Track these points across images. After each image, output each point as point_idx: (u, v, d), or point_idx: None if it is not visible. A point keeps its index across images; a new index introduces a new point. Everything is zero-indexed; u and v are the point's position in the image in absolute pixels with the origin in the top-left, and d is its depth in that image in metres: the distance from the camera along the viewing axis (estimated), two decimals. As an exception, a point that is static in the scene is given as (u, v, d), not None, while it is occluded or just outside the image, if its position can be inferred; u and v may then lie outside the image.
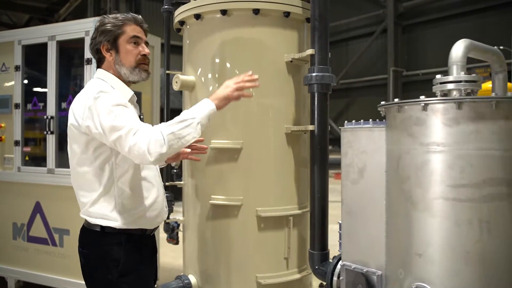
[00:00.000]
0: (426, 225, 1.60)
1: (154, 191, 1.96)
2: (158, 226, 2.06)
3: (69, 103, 3.79)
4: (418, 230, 1.62)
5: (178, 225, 2.83)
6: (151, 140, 1.67)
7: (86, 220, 1.91)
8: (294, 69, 2.47)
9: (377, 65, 13.13)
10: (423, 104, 1.58)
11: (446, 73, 1.75)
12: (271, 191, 2.45)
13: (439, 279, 1.57)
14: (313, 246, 2.33)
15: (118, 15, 2.00)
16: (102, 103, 1.74)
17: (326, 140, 2.32)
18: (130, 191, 1.87)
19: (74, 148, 1.87)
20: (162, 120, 3.50)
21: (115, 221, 1.84)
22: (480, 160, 1.51)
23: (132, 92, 1.96)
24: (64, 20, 19.51)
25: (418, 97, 1.71)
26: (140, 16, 2.04)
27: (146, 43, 2.02)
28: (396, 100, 1.70)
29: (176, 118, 1.77)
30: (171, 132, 1.70)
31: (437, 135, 1.56)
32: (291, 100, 2.48)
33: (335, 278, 2.16)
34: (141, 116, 2.09)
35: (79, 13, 17.75)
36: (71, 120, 1.85)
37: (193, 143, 2.01)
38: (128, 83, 1.98)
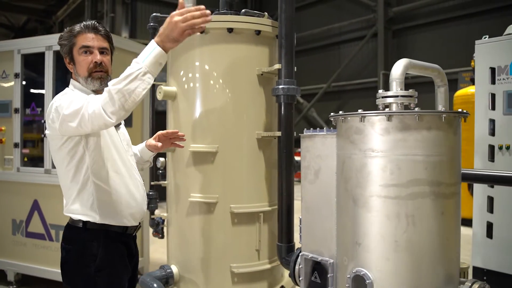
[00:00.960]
0: (364, 218, 1.88)
1: (131, 188, 2.06)
2: (139, 226, 2.16)
3: (65, 108, 4.08)
4: (358, 223, 1.90)
5: (163, 220, 3.11)
6: (103, 103, 1.71)
7: (70, 218, 2.02)
8: (265, 81, 2.75)
9: (368, 68, 13.40)
10: (361, 116, 1.87)
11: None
12: (244, 190, 2.74)
13: (374, 264, 1.85)
14: (280, 239, 2.61)
15: (76, 26, 2.03)
16: (65, 100, 1.86)
17: (291, 144, 2.60)
18: (106, 187, 1.97)
19: (53, 152, 2.01)
20: (152, 122, 3.73)
21: (94, 216, 1.94)
22: (406, 164, 1.79)
23: None
24: (61, 22, 19.77)
25: None
26: (93, 22, 2.05)
27: (105, 49, 2.04)
28: (340, 112, 1.99)
29: (125, 72, 1.74)
30: (118, 90, 1.69)
31: (372, 142, 1.84)
32: (262, 109, 2.77)
33: (297, 267, 2.44)
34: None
35: (76, 15, 18.01)
36: (47, 127, 1.99)
37: (176, 143, 2.26)
38: (97, 92, 2.03)
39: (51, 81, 4.05)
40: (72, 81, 2.10)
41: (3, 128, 4.36)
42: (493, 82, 3.79)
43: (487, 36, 3.90)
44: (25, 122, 4.34)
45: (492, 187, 3.78)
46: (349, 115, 1.93)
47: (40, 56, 4.10)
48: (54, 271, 4.05)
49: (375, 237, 1.85)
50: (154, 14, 3.13)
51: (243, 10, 2.84)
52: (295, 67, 2.58)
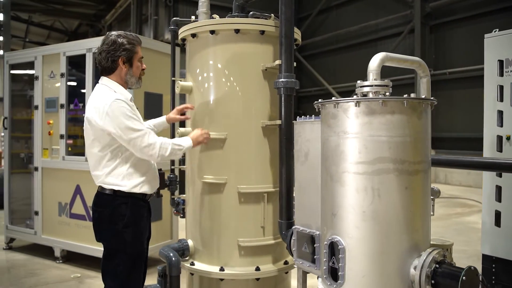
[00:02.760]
0: (338, 192, 2.15)
1: (150, 169, 2.73)
2: (153, 194, 2.81)
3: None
4: (333, 196, 2.18)
5: (183, 201, 3.48)
6: (162, 146, 2.57)
7: (100, 187, 2.64)
8: (268, 76, 3.06)
9: (405, 64, 13.30)
10: (334, 103, 2.15)
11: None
12: (251, 172, 3.06)
13: (346, 232, 2.12)
14: (281, 216, 2.92)
15: (130, 36, 2.67)
16: (118, 110, 2.46)
17: (291, 131, 2.89)
18: (134, 167, 2.63)
19: (92, 137, 2.59)
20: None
21: (124, 187, 2.58)
22: (372, 143, 2.05)
23: (131, 95, 2.71)
24: (110, 25, 20.91)
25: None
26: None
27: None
28: (320, 100, 2.28)
29: (176, 141, 2.71)
30: (173, 148, 2.63)
31: (344, 125, 2.11)
32: (267, 100, 3.08)
33: (292, 240, 2.75)
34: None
35: (123, 19, 19.03)
36: (88, 115, 2.57)
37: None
38: (126, 87, 2.72)
39: (91, 78, 4.56)
40: (106, 79, 2.68)
41: (51, 122, 4.93)
42: (501, 74, 3.90)
43: (497, 30, 4.01)
44: (69, 117, 4.89)
45: (500, 176, 3.89)
46: (327, 102, 2.21)
47: (82, 57, 4.62)
48: (93, 248, 4.56)
49: (347, 208, 2.11)
50: (174, 18, 3.53)
51: (250, 13, 3.17)
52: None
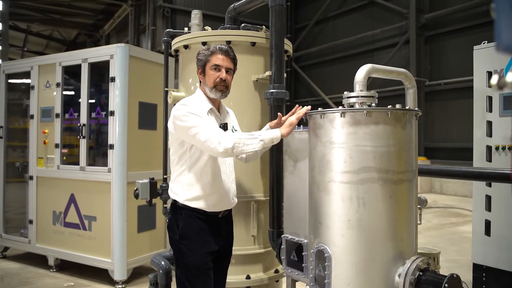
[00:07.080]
0: (324, 201, 2.19)
1: (216, 185, 2.52)
2: (222, 212, 2.58)
3: (98, 113, 4.63)
4: (320, 205, 2.22)
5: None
6: (223, 138, 2.30)
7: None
8: (259, 87, 3.11)
9: (400, 75, 13.42)
10: (321, 114, 2.20)
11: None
12: (241, 181, 3.10)
13: (332, 240, 2.16)
14: (271, 225, 2.96)
15: (211, 46, 2.60)
16: (181, 112, 2.40)
17: (281, 142, 2.93)
18: (196, 178, 2.49)
19: (169, 141, 2.59)
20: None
21: (179, 196, 2.51)
22: (357, 153, 2.09)
23: (210, 106, 2.54)
24: (108, 35, 21.03)
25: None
26: (226, 47, 2.61)
27: (230, 69, 2.59)
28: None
29: (250, 133, 2.43)
30: (240, 138, 2.33)
31: (330, 135, 2.16)
32: (257, 110, 3.14)
33: (281, 248, 2.78)
34: (226, 124, 2.62)
35: (121, 29, 19.12)
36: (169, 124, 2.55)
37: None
38: (213, 99, 2.57)
39: (86, 89, 4.60)
40: (199, 89, 2.63)
41: (46, 131, 4.96)
42: (490, 85, 3.96)
43: (486, 42, 4.09)
44: (64, 127, 4.91)
45: (490, 186, 3.93)
46: (313, 113, 2.26)
47: (78, 67, 4.67)
48: (86, 257, 4.56)
49: (332, 217, 2.15)
50: (167, 30, 3.59)
51: (242, 25, 3.23)
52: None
